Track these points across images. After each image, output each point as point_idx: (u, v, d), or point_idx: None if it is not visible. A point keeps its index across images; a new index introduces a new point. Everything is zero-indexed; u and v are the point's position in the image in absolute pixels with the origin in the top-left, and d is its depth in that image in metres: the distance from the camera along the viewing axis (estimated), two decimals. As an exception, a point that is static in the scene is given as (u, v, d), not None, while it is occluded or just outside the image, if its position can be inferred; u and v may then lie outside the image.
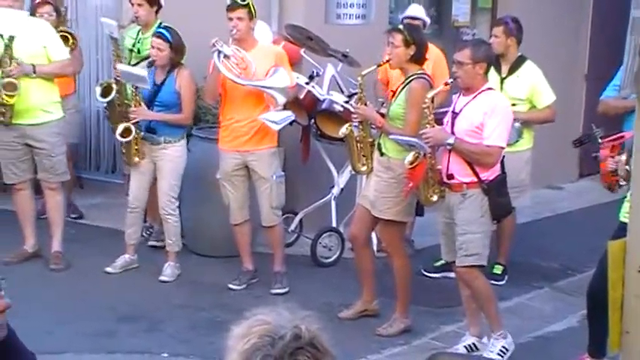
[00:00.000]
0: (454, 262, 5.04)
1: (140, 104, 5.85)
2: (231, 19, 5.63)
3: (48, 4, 6.89)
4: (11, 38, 5.79)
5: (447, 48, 6.85)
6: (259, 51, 5.71)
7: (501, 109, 4.87)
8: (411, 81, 5.12)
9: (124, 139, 5.87)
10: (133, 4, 6.47)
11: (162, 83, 5.91)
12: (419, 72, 5.16)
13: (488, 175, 4.83)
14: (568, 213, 8.26)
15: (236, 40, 5.64)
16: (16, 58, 5.80)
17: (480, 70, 4.81)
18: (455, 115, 4.89)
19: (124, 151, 6.02)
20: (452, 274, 6.06)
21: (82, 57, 7.14)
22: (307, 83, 6.24)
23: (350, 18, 7.30)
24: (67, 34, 6.75)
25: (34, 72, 5.85)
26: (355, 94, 5.70)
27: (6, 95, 5.78)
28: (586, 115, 9.26)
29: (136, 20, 6.53)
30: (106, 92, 6.35)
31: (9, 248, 6.21)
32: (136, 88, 5.85)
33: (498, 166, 4.90)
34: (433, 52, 6.65)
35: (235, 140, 5.77)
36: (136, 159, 5.96)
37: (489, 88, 4.92)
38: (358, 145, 5.35)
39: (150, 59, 5.91)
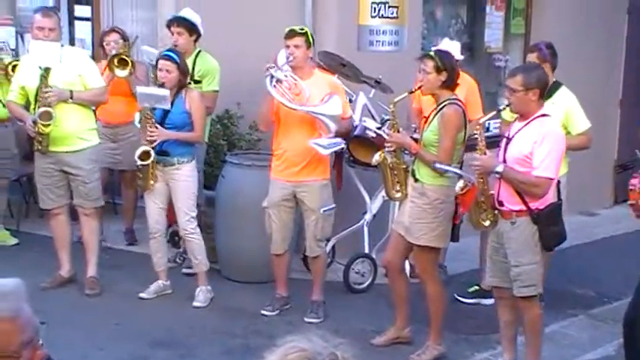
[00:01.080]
0: (495, 287, 5.00)
1: (157, 127, 5.90)
2: (288, 46, 5.69)
3: (115, 32, 7.11)
4: (47, 69, 5.87)
5: (479, 75, 6.87)
6: (315, 79, 5.74)
7: (552, 137, 4.72)
8: (443, 107, 5.12)
9: (144, 162, 5.91)
10: (172, 33, 6.55)
11: (172, 105, 5.93)
12: (451, 98, 5.15)
13: (537, 204, 4.72)
14: (603, 239, 8.17)
15: (292, 67, 5.69)
16: (51, 87, 5.88)
17: (534, 97, 4.70)
18: (508, 140, 4.80)
19: (140, 175, 6.02)
20: (486, 301, 6.05)
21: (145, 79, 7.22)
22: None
23: (382, 45, 7.33)
24: (126, 59, 6.88)
25: (71, 97, 5.92)
26: (388, 120, 5.71)
27: (42, 125, 5.87)
28: (621, 140, 9.19)
29: (174, 49, 6.60)
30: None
31: (47, 273, 6.27)
32: (151, 110, 5.88)
33: (551, 194, 4.79)
34: (466, 80, 6.65)
35: (287, 170, 5.78)
36: (152, 182, 6.00)
37: (544, 115, 4.78)
38: (392, 171, 5.33)
39: (158, 82, 5.95)
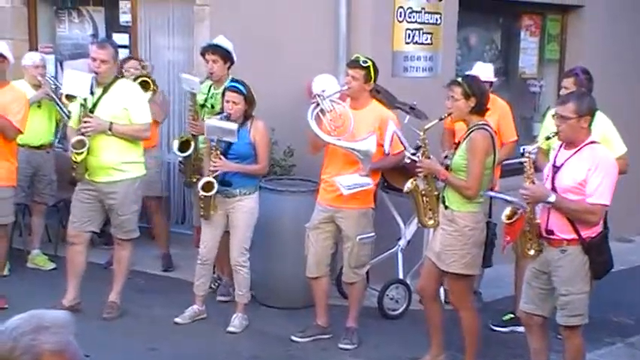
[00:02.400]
0: (526, 313, 4.96)
1: (220, 157, 5.90)
2: (347, 74, 5.73)
3: (133, 60, 7.23)
4: (85, 100, 5.94)
5: (513, 100, 6.86)
6: (368, 111, 5.74)
7: (606, 164, 4.67)
8: (472, 132, 5.11)
9: (207, 193, 5.90)
10: (207, 61, 6.62)
11: (237, 135, 5.98)
12: (480, 123, 5.14)
13: (589, 232, 4.67)
14: (639, 267, 8.07)
15: (347, 96, 5.72)
16: (92, 117, 5.93)
17: (585, 124, 4.68)
18: (556, 169, 4.75)
19: (202, 205, 5.99)
20: (521, 329, 5.97)
21: (167, 107, 7.29)
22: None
23: (417, 71, 7.35)
24: (147, 80, 6.98)
25: (110, 129, 5.96)
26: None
27: (75, 153, 5.94)
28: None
29: (210, 76, 6.68)
30: (183, 146, 6.50)
31: (83, 297, 6.29)
32: (218, 141, 5.90)
33: (601, 222, 4.75)
34: (498, 104, 6.65)
35: (328, 194, 5.79)
36: (212, 212, 6.01)
37: (593, 142, 4.75)
38: (424, 198, 5.30)
39: (224, 113, 5.96)
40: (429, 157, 5.27)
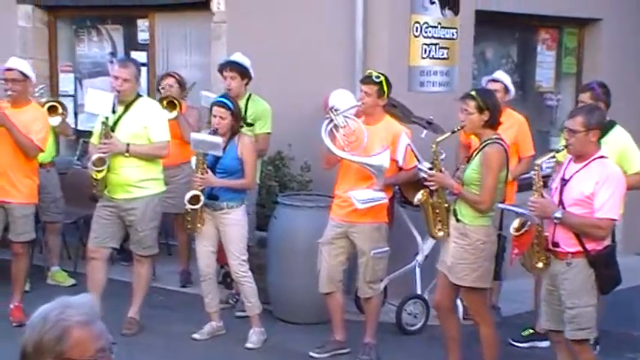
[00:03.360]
0: (550, 330, 4.94)
1: (207, 172, 5.93)
2: (361, 90, 5.76)
3: (171, 77, 7.34)
4: (107, 118, 6.00)
5: (530, 114, 6.86)
6: (382, 126, 5.75)
7: (614, 179, 4.68)
8: (485, 146, 5.12)
9: (193, 207, 5.94)
10: (225, 78, 6.66)
11: (224, 150, 5.96)
12: (493, 137, 5.14)
13: (595, 245, 4.67)
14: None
15: (361, 112, 5.75)
16: (112, 136, 5.99)
17: (593, 138, 4.70)
18: (564, 182, 4.76)
19: (189, 218, 6.03)
20: (541, 344, 5.96)
21: (199, 121, 7.35)
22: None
23: (433, 86, 7.37)
24: (174, 101, 7.05)
25: (127, 151, 6.01)
26: (441, 161, 5.70)
27: (95, 170, 5.98)
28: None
29: (227, 93, 6.72)
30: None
31: (115, 316, 6.32)
32: (204, 155, 5.92)
33: (608, 236, 4.75)
34: (516, 118, 6.65)
35: (342, 210, 5.80)
36: (199, 225, 6.03)
37: (602, 156, 4.76)
38: (434, 210, 5.31)
39: (212, 128, 6.01)
40: (440, 170, 5.28)
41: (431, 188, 5.26)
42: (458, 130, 5.30)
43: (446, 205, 5.27)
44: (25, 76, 6.37)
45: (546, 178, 5.15)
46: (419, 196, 5.32)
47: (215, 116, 5.95)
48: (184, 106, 7.39)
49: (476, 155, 5.15)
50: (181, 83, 7.44)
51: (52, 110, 7.02)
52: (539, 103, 8.86)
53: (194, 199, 5.92)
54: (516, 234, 4.78)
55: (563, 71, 8.97)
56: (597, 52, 8.81)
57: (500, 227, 5.19)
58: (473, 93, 5.23)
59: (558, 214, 4.66)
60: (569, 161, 4.84)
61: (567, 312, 4.72)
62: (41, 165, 7.24)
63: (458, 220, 5.17)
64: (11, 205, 6.33)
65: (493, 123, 5.15)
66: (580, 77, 8.85)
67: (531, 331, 6.21)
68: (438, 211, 5.29)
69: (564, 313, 4.75)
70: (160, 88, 7.40)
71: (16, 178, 6.32)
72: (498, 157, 5.06)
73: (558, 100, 8.96)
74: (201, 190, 5.93)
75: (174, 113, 7.03)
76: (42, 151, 6.43)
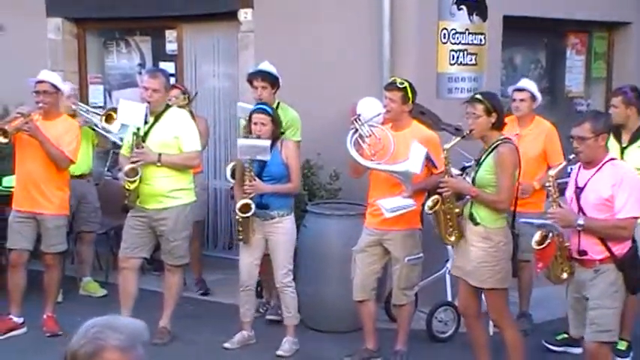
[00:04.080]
0: (582, 337, 4.90)
1: (254, 179, 5.94)
2: (385, 97, 5.76)
3: (176, 88, 7.36)
4: (138, 129, 6.05)
5: (560, 119, 6.79)
6: (409, 133, 5.73)
7: (629, 178, 4.71)
8: (496, 146, 5.12)
9: (245, 215, 5.95)
10: (256, 87, 6.68)
11: (269, 154, 5.97)
12: (502, 138, 5.17)
13: (621, 248, 4.69)
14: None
15: (387, 119, 5.74)
16: (144, 146, 6.03)
17: (602, 142, 4.72)
18: (579, 190, 4.75)
19: (240, 228, 6.04)
20: (574, 349, 5.90)
21: (208, 131, 7.37)
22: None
23: (462, 92, 7.33)
24: (183, 108, 7.09)
25: (159, 161, 6.05)
26: (469, 167, 5.68)
27: (127, 181, 6.02)
28: None
29: (257, 102, 6.73)
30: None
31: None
32: (250, 163, 5.95)
33: (630, 237, 4.75)
34: (544, 125, 6.61)
35: (375, 218, 5.78)
36: (251, 235, 6.05)
37: (612, 159, 4.80)
38: (445, 216, 5.28)
39: (254, 135, 5.98)
40: (451, 176, 5.27)
41: (444, 194, 5.22)
42: (467, 134, 5.27)
43: (457, 210, 5.24)
44: (56, 89, 6.43)
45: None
46: (429, 203, 5.30)
47: (256, 123, 5.95)
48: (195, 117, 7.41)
49: (485, 157, 5.15)
50: (186, 94, 7.47)
51: (108, 119, 7.05)
52: (569, 108, 8.78)
53: (244, 208, 5.91)
54: (539, 247, 4.76)
55: (593, 76, 8.90)
56: (627, 56, 8.73)
57: (512, 225, 5.23)
58: (479, 96, 5.25)
59: (581, 222, 4.67)
60: (579, 168, 4.84)
61: (590, 313, 4.71)
62: (82, 176, 7.38)
63: (476, 224, 5.16)
64: (43, 217, 6.39)
65: (500, 125, 5.20)
66: (610, 82, 8.77)
67: (565, 335, 6.14)
68: (449, 216, 5.27)
69: (588, 318, 4.73)
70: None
71: (48, 189, 6.38)
72: (513, 156, 5.10)
73: (588, 105, 8.88)
74: (251, 198, 5.93)
75: None
76: (73, 162, 6.48)
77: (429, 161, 5.67)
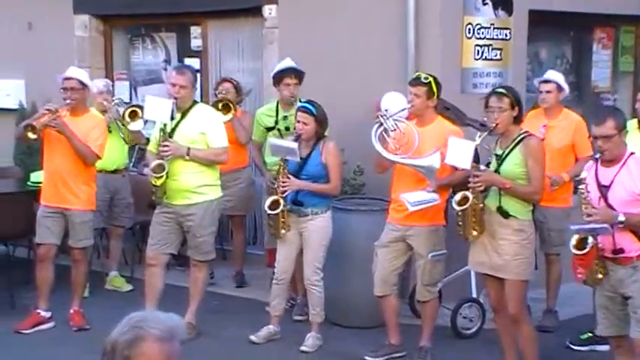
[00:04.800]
0: (612, 336, 4.87)
1: (289, 177, 5.96)
2: (410, 92, 5.76)
3: (228, 82, 7.47)
4: (165, 125, 6.08)
5: (586, 114, 6.72)
6: (434, 128, 5.72)
7: None
8: (522, 139, 5.13)
9: (272, 212, 5.98)
10: (288, 84, 6.69)
11: (308, 156, 5.99)
12: (524, 131, 5.23)
13: None
14: None
15: (412, 114, 5.74)
16: (171, 141, 6.05)
17: (623, 137, 4.70)
18: (606, 188, 4.68)
19: (271, 223, 6.09)
20: (600, 347, 5.86)
21: (251, 130, 7.42)
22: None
23: (486, 87, 7.29)
24: (228, 103, 7.13)
25: (188, 154, 6.07)
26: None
27: (154, 177, 6.06)
28: None
29: (290, 99, 6.75)
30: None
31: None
32: (285, 161, 5.96)
33: None
34: (573, 119, 6.55)
35: (398, 213, 5.78)
36: (283, 231, 6.06)
37: (632, 153, 4.73)
38: (471, 212, 5.24)
39: (296, 133, 6.05)
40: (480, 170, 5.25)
41: (477, 189, 5.19)
42: (494, 128, 5.23)
43: (481, 205, 5.22)
44: (84, 85, 6.48)
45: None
46: (457, 199, 5.23)
47: (299, 122, 5.97)
48: (239, 111, 7.45)
49: (510, 151, 5.15)
50: (237, 88, 7.52)
51: (132, 115, 7.12)
52: (596, 103, 8.71)
53: (273, 205, 5.94)
54: (580, 253, 4.66)
55: (620, 70, 8.82)
56: (655, 50, 8.65)
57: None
58: (503, 90, 5.27)
59: (622, 218, 4.58)
60: (596, 168, 4.73)
61: (637, 312, 4.61)
62: (116, 171, 7.45)
63: (507, 217, 5.14)
64: (71, 212, 6.45)
65: (520, 119, 5.26)
66: (637, 76, 8.69)
67: (590, 334, 6.10)
68: (473, 212, 5.24)
69: (633, 314, 4.64)
70: (216, 92, 7.50)
71: (75, 185, 6.43)
72: (542, 148, 5.18)
73: (615, 100, 8.80)
74: (284, 196, 5.94)
75: (229, 116, 7.12)
76: (99, 158, 6.53)
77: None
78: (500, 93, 5.21)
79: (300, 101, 6.44)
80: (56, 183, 6.42)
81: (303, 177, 5.99)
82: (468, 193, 5.17)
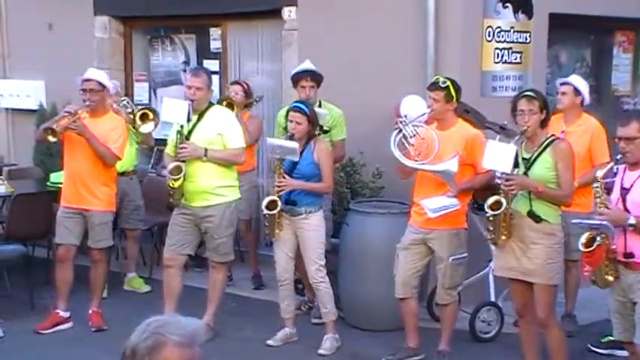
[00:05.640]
0: (627, 342, 4.84)
1: (284, 176, 5.97)
2: (429, 97, 5.76)
3: (239, 85, 7.47)
4: (182, 127, 6.10)
5: (606, 118, 6.69)
6: (455, 132, 5.71)
7: None
8: (550, 143, 5.12)
9: (270, 212, 5.99)
10: (304, 87, 6.71)
11: (300, 155, 5.99)
12: (549, 135, 5.21)
13: None
14: None
15: (432, 118, 5.74)
16: (188, 143, 6.07)
17: None
18: (625, 191, 4.67)
19: (267, 223, 6.09)
20: (619, 352, 5.81)
21: (258, 132, 7.42)
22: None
23: (506, 90, 7.28)
24: (231, 103, 7.18)
25: (205, 155, 6.09)
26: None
27: (172, 179, 6.07)
28: None
29: (306, 101, 6.75)
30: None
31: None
32: (281, 160, 5.97)
33: None
34: (592, 124, 6.51)
35: (420, 217, 5.77)
36: (277, 231, 6.06)
37: None
38: (504, 217, 5.21)
39: (288, 133, 6.05)
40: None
41: (511, 193, 5.16)
42: (524, 131, 5.20)
43: (510, 210, 5.20)
44: (103, 86, 6.51)
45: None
46: (489, 202, 5.19)
47: (291, 121, 6.00)
48: (246, 114, 7.45)
49: (539, 155, 5.12)
50: (247, 92, 7.53)
51: (143, 117, 7.16)
52: (616, 107, 8.66)
53: (271, 205, 5.97)
54: (587, 250, 4.69)
55: (640, 74, 8.77)
56: (676, 54, 8.59)
57: None
58: (532, 93, 5.23)
59: (632, 221, 4.57)
60: (625, 170, 4.75)
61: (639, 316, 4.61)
62: (124, 173, 7.44)
63: (539, 222, 5.11)
64: (90, 213, 6.47)
65: (546, 123, 5.25)
66: (658, 80, 8.64)
67: (611, 338, 6.06)
68: (504, 217, 5.21)
69: (638, 320, 4.64)
70: (226, 92, 7.53)
71: (95, 186, 6.46)
72: (572, 152, 5.17)
73: (635, 104, 8.76)
74: (279, 196, 5.97)
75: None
76: (120, 159, 6.56)
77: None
78: (531, 96, 5.18)
79: (320, 103, 6.47)
80: (76, 184, 6.45)
81: (295, 176, 6.01)
82: (501, 198, 5.14)
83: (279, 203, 5.96)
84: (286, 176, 5.98)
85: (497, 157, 5.20)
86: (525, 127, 5.14)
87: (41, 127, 6.63)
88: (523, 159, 5.22)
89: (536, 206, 5.14)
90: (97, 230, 6.51)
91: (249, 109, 7.62)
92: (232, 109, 7.13)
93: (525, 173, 5.16)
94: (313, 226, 6.05)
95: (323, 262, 6.10)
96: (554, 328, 5.28)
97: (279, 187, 5.96)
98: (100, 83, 6.47)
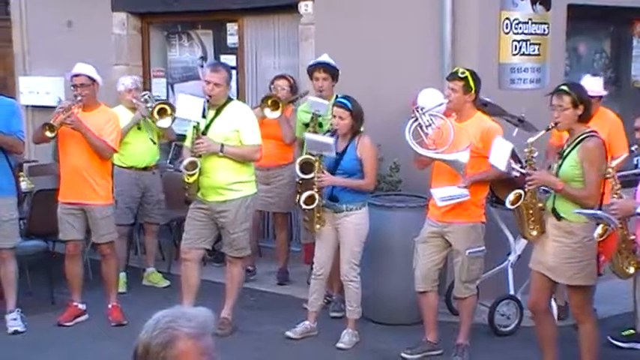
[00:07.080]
0: None
1: (324, 172, 5.96)
2: (447, 87, 5.75)
3: (285, 79, 7.43)
4: (198, 122, 6.09)
5: (625, 110, 6.65)
6: (472, 124, 5.69)
7: None
8: (582, 140, 5.00)
9: (307, 207, 5.99)
10: (317, 79, 6.70)
11: (344, 151, 5.99)
12: (588, 131, 5.04)
13: None
14: None
15: (450, 109, 5.73)
16: (205, 138, 6.06)
17: None
18: None
19: (306, 218, 6.10)
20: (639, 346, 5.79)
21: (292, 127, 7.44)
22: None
23: (524, 83, 7.24)
24: (277, 100, 7.12)
25: (221, 151, 6.09)
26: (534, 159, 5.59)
27: (187, 174, 6.08)
28: None
29: (319, 94, 6.75)
30: (304, 167, 6.56)
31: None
32: (320, 156, 5.97)
33: None
34: (609, 116, 6.47)
35: (437, 210, 5.74)
36: (318, 226, 6.07)
37: None
38: (528, 211, 5.19)
39: (332, 129, 6.05)
40: (534, 169, 5.16)
41: (529, 188, 5.13)
42: (552, 127, 5.16)
43: (540, 204, 5.16)
44: (92, 80, 6.51)
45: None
46: (511, 197, 5.19)
47: (335, 116, 5.99)
48: (290, 109, 7.41)
49: (571, 151, 5.03)
50: (293, 87, 7.49)
51: (161, 112, 7.17)
52: (636, 98, 8.59)
53: (309, 200, 5.96)
54: (600, 239, 4.66)
55: (660, 65, 8.69)
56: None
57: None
58: (566, 88, 5.10)
59: (639, 210, 4.54)
60: None
61: None
62: (147, 168, 7.50)
63: (559, 219, 5.06)
64: (91, 207, 6.48)
65: (586, 117, 5.06)
66: (678, 71, 8.56)
67: (632, 331, 6.04)
68: (531, 211, 5.18)
69: None
70: (271, 87, 7.47)
71: (94, 179, 6.46)
72: (599, 150, 4.97)
73: (655, 96, 8.68)
74: (319, 191, 5.96)
75: (277, 113, 7.07)
76: (116, 151, 6.58)
77: (514, 157, 5.53)
78: (562, 91, 5.07)
79: (337, 97, 6.43)
80: (74, 179, 6.44)
81: (338, 172, 5.99)
82: (522, 192, 5.11)
83: (317, 198, 5.93)
84: (325, 172, 5.96)
85: (498, 153, 5.28)
86: (553, 123, 5.09)
87: (36, 129, 6.64)
88: (560, 154, 5.16)
89: (557, 203, 5.08)
90: (100, 225, 6.52)
91: (294, 104, 7.56)
92: (278, 107, 7.08)
93: (559, 169, 5.11)
94: (353, 223, 6.03)
95: (357, 262, 6.07)
96: (586, 322, 5.19)
97: (318, 182, 5.95)
98: (89, 77, 6.46)
